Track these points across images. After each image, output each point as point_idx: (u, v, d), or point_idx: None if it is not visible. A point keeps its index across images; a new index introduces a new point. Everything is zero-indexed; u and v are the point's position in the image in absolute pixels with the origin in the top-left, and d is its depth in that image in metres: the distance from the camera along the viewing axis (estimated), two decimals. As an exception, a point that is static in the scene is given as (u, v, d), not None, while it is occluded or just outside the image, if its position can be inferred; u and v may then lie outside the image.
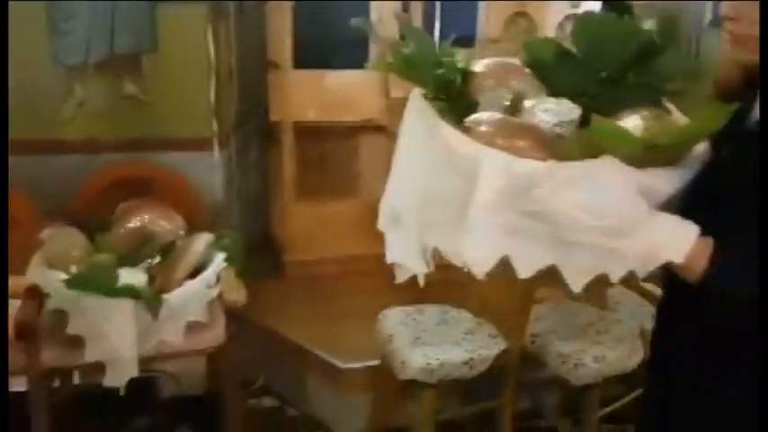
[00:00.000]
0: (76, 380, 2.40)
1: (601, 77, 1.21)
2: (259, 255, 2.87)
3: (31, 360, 1.83)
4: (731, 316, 1.12)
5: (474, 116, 1.07)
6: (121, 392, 1.93)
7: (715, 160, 1.10)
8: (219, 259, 2.09)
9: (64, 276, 1.89)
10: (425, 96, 1.14)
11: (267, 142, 3.13)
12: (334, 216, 3.08)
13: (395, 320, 2.13)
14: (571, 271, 1.03)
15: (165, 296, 1.94)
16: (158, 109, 2.43)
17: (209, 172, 2.53)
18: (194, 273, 2.05)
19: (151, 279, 2.03)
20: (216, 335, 2.05)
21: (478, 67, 1.21)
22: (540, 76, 1.23)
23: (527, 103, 1.12)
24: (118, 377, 1.90)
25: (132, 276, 1.97)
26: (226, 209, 2.57)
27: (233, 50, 2.72)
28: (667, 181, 1.05)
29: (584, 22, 1.24)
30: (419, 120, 1.10)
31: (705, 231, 1.05)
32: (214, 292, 2.04)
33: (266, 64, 3.00)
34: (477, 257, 1.02)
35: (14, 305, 2.00)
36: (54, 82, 2.37)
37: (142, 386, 2.44)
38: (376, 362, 2.24)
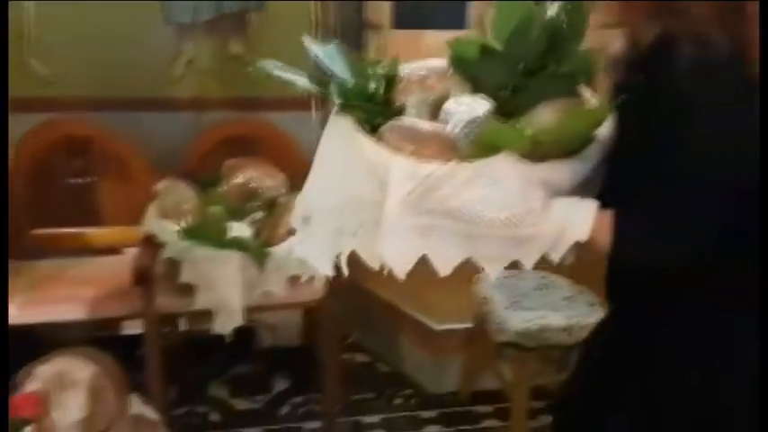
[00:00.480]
0: (183, 327, 2.56)
1: (520, 69, 1.25)
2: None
3: (147, 304, 1.94)
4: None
5: (387, 124, 1.15)
6: (227, 339, 2.03)
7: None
8: (321, 216, 2.14)
9: (177, 227, 1.98)
10: (352, 105, 1.18)
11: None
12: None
13: (492, 283, 2.14)
14: (486, 262, 1.10)
15: (270, 250, 2.01)
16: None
17: (307, 131, 2.58)
18: (297, 228, 2.11)
19: (256, 233, 2.10)
20: (315, 289, 2.11)
21: (404, 71, 1.27)
22: (465, 73, 1.28)
23: (445, 105, 1.18)
24: (225, 325, 2.00)
25: (239, 230, 2.05)
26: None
27: (334, 10, 2.73)
28: (565, 172, 1.11)
29: (501, 15, 1.28)
30: (336, 128, 1.16)
31: (617, 201, 1.07)
32: (316, 248, 2.10)
33: (364, 24, 3.01)
34: (396, 260, 1.10)
35: (131, 253, 2.13)
36: (165, 41, 2.46)
37: (243, 336, 2.56)
38: (470, 324, 2.26)
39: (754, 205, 1.06)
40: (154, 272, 1.95)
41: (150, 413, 1.95)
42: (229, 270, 1.95)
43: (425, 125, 1.17)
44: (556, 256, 1.09)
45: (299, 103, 2.52)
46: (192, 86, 2.48)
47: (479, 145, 1.13)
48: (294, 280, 2.07)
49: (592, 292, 2.12)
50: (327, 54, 1.30)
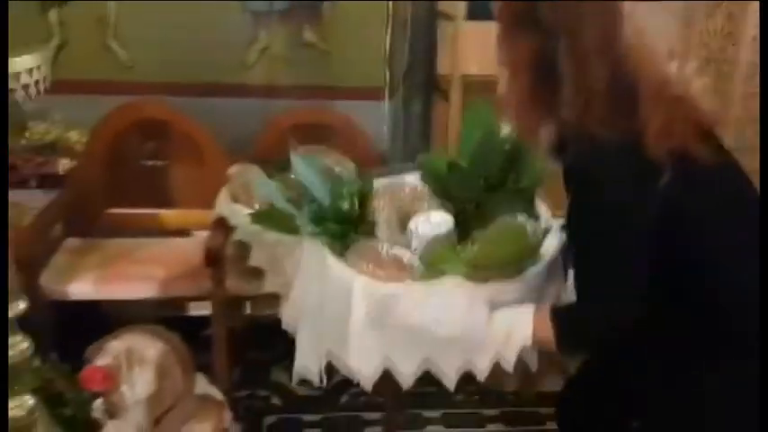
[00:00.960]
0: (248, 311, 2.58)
1: (482, 185, 1.43)
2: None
3: (216, 286, 1.96)
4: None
5: (352, 246, 1.35)
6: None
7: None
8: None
9: (248, 211, 1.99)
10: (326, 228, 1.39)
11: (433, 96, 3.12)
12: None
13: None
14: (444, 372, 1.23)
15: (338, 237, 2.00)
16: (335, 57, 2.49)
17: (377, 121, 2.57)
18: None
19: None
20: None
21: (376, 185, 1.51)
22: (435, 187, 1.48)
23: (410, 223, 1.38)
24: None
25: (308, 216, 2.05)
26: (392, 158, 2.60)
27: (408, 1, 2.72)
28: (508, 291, 1.24)
29: (466, 131, 1.49)
30: (311, 249, 1.42)
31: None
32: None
33: (437, 14, 2.97)
34: (363, 372, 1.22)
35: (202, 236, 2.16)
36: (240, 28, 2.49)
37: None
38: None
39: (661, 266, 1.14)
40: (224, 254, 1.97)
41: (215, 393, 1.97)
42: (298, 255, 1.95)
43: (384, 248, 1.35)
44: (508, 365, 1.22)
45: (369, 92, 2.52)
46: (265, 73, 2.50)
47: (429, 267, 1.26)
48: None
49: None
50: (308, 171, 1.57)
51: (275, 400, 2.27)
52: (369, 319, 1.22)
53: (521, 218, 1.37)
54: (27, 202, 2.22)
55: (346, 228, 1.44)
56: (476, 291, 1.21)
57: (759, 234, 1.15)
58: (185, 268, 2.12)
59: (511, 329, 1.20)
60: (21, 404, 1.40)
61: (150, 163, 2.35)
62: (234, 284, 2.01)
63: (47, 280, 2.01)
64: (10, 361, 1.35)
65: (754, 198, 1.23)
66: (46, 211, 2.11)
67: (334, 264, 1.33)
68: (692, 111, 1.15)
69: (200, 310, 2.46)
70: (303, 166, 1.56)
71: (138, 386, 1.98)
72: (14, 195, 2.26)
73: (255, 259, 1.99)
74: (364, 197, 1.51)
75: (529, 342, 1.21)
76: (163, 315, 2.31)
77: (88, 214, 2.27)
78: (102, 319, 2.41)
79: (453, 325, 1.20)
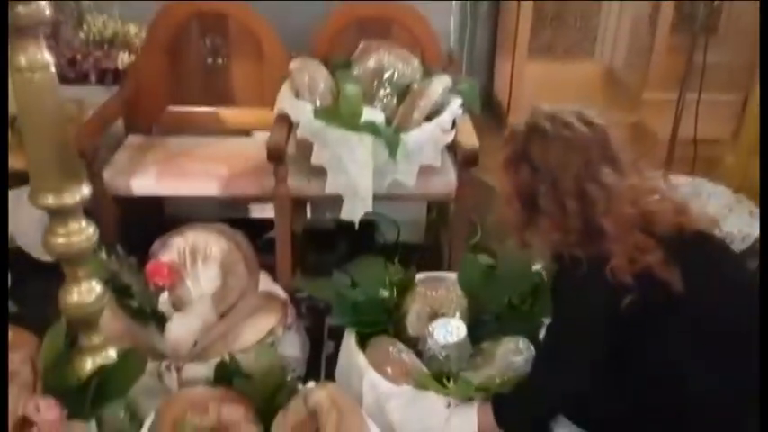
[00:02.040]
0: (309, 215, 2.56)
1: (506, 302, 1.69)
2: (480, 113, 2.77)
3: (278, 183, 1.92)
4: None
5: (375, 339, 1.67)
6: (356, 227, 1.99)
7: None
8: (456, 104, 2.03)
9: (311, 107, 1.92)
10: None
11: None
12: (565, 78, 2.87)
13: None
14: None
15: (403, 135, 1.92)
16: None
17: (444, 18, 2.43)
18: (430, 116, 2.01)
19: (387, 120, 2.02)
20: (447, 181, 2.02)
21: (418, 278, 1.80)
22: (467, 289, 1.74)
23: (431, 325, 1.65)
24: (354, 211, 1.95)
25: (372, 115, 1.97)
26: (458, 56, 2.47)
27: None
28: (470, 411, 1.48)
29: (503, 261, 1.78)
30: (347, 339, 1.70)
31: None
32: (449, 137, 1.99)
33: None
34: None
35: (262, 137, 2.10)
36: None
37: (365, 229, 2.53)
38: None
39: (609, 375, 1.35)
40: (286, 151, 1.92)
41: (279, 290, 1.97)
42: (361, 154, 1.88)
43: (396, 349, 1.63)
44: None
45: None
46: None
47: (420, 381, 1.53)
48: (426, 170, 1.99)
49: (751, 200, 1.92)
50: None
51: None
52: (372, 410, 1.49)
53: (523, 343, 1.60)
54: (86, 98, 2.20)
55: (380, 316, 1.71)
56: (441, 403, 1.49)
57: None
58: (247, 167, 2.08)
59: (461, 426, 1.46)
60: (88, 290, 1.40)
61: (210, 60, 2.28)
62: (295, 185, 1.97)
63: (110, 175, 2.01)
64: (76, 247, 1.34)
65: (731, 302, 1.32)
66: (105, 106, 2.08)
67: (356, 355, 1.62)
68: (657, 240, 1.29)
69: (262, 212, 2.45)
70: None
71: (203, 281, 1.99)
72: (74, 91, 2.26)
73: (317, 157, 1.94)
74: (404, 287, 1.76)
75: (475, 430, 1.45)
76: (225, 217, 2.30)
77: (149, 111, 2.24)
78: (166, 219, 2.43)
79: (418, 425, 1.49)
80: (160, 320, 1.83)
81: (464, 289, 1.77)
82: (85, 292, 1.40)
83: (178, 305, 1.90)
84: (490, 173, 2.32)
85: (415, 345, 1.71)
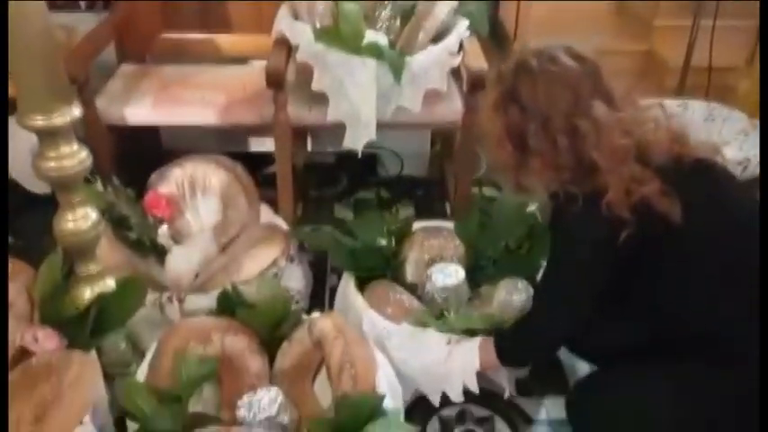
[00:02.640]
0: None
1: (503, 246, 1.72)
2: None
3: (278, 111, 1.85)
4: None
5: (373, 283, 1.67)
6: (358, 155, 1.93)
7: None
8: (463, 26, 1.93)
9: (311, 28, 1.83)
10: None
11: None
12: (574, 6, 2.75)
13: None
14: (430, 395, 1.53)
15: (408, 58, 1.83)
16: None
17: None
18: (435, 38, 1.92)
19: (391, 43, 1.92)
20: (453, 108, 1.95)
21: (415, 227, 1.80)
22: (464, 239, 1.76)
23: (429, 270, 1.65)
24: (356, 139, 1.88)
25: (374, 36, 1.87)
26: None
27: None
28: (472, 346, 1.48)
29: (501, 202, 1.84)
30: (345, 282, 1.71)
31: None
32: (456, 60, 1.91)
33: None
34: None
35: (260, 65, 2.01)
36: None
37: (367, 161, 2.47)
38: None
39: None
40: (285, 77, 1.84)
41: (280, 223, 1.92)
42: (364, 78, 1.80)
43: (395, 291, 1.64)
44: (473, 386, 1.47)
45: None
46: None
47: (419, 318, 1.55)
48: (432, 97, 1.91)
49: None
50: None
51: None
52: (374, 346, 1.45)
53: (522, 284, 1.61)
54: (76, 26, 2.10)
55: (378, 263, 1.71)
56: (442, 339, 1.49)
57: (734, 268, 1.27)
58: (245, 95, 2.00)
59: (466, 359, 1.45)
60: (83, 216, 1.35)
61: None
62: (296, 113, 1.89)
63: (103, 104, 1.93)
64: (68, 171, 1.28)
65: (734, 235, 1.29)
66: (96, 31, 1.99)
67: (354, 296, 1.62)
68: (653, 172, 1.26)
69: (261, 146, 2.38)
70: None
71: (203, 214, 1.94)
72: (64, 18, 2.16)
73: (318, 83, 1.85)
74: (402, 236, 1.76)
75: (480, 367, 1.45)
76: (224, 151, 2.24)
77: (141, 38, 2.15)
78: (163, 152, 2.36)
79: (424, 361, 1.49)
80: (160, 253, 1.79)
81: (461, 237, 1.77)
82: (81, 218, 1.35)
83: (178, 238, 1.85)
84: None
85: (413, 291, 1.69)
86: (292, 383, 1.47)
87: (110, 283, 1.44)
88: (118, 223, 1.75)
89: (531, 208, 1.72)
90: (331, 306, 1.80)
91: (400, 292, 1.63)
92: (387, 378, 1.38)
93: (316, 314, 1.54)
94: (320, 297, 1.92)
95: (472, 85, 1.84)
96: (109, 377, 1.45)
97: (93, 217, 1.37)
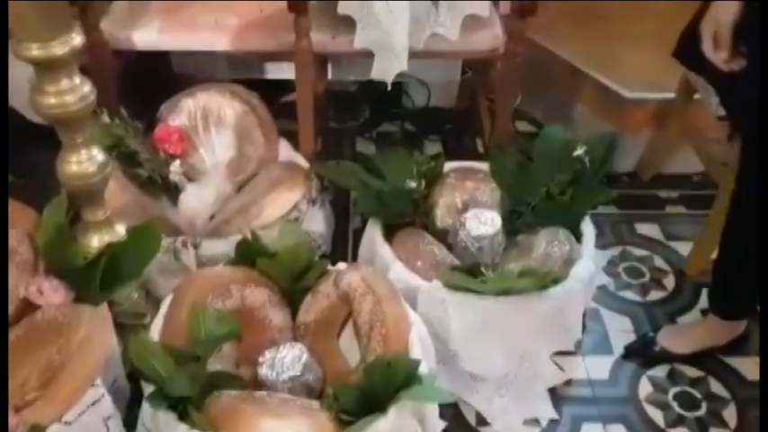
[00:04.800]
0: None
1: (543, 192, 1.57)
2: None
3: (299, 37, 1.67)
4: None
5: (402, 233, 1.54)
6: (388, 87, 1.76)
7: None
8: (506, -56, 1.73)
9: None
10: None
11: None
12: None
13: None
14: (464, 358, 1.44)
15: (445, -19, 1.64)
16: None
17: None
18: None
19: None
20: (494, 36, 1.76)
21: (447, 168, 1.66)
22: (500, 181, 1.63)
23: (463, 216, 1.52)
24: (387, 70, 1.71)
25: (407, -46, 1.68)
26: None
27: None
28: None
29: (543, 139, 1.64)
30: (370, 229, 1.56)
31: None
32: (498, -16, 1.72)
33: None
34: None
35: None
36: None
37: (391, 93, 2.29)
38: (667, 95, 1.88)
39: None
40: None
41: (300, 160, 1.78)
42: (397, 1, 1.62)
43: (425, 241, 1.51)
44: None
45: None
46: None
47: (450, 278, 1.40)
48: (470, 23, 1.73)
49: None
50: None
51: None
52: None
53: (563, 234, 1.49)
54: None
55: (407, 208, 1.57)
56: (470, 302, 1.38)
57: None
58: (262, 18, 1.82)
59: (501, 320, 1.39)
60: (89, 158, 1.22)
61: None
62: (318, 39, 1.72)
63: (108, 26, 1.75)
64: (70, 108, 1.14)
65: None
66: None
67: (381, 246, 1.50)
68: None
69: (278, 73, 2.21)
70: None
71: (217, 149, 1.79)
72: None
73: (344, 7, 1.67)
74: (433, 177, 1.63)
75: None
76: (239, 78, 2.07)
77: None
78: (173, 79, 2.20)
79: (452, 325, 1.38)
80: (172, 192, 1.66)
81: (497, 180, 1.63)
82: (86, 161, 1.22)
83: (191, 175, 1.73)
84: (542, 31, 2.06)
85: (443, 238, 1.57)
86: (316, 339, 1.37)
87: (119, 231, 1.33)
88: (127, 160, 1.61)
89: (579, 151, 1.58)
90: (355, 250, 1.68)
91: (430, 243, 1.51)
92: (420, 339, 1.28)
93: (342, 265, 1.42)
94: (343, 240, 1.80)
95: (520, 11, 1.65)
96: (121, 327, 1.36)
97: (99, 159, 1.24)
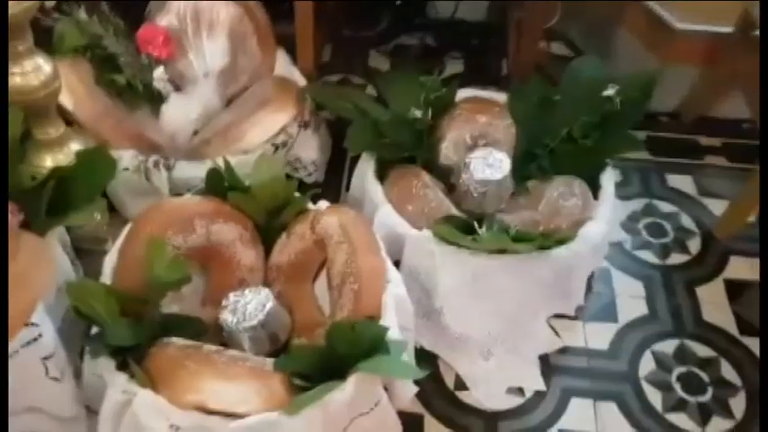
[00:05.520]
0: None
1: (565, 133, 1.39)
2: None
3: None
4: None
5: (394, 172, 1.38)
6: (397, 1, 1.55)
7: None
8: None
9: None
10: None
11: None
12: None
13: None
14: (449, 319, 1.31)
15: None
16: None
17: None
18: None
19: None
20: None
21: (460, 95, 1.48)
22: (519, 116, 1.43)
23: (470, 155, 1.35)
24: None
25: None
26: None
27: None
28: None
29: (571, 73, 1.44)
30: (362, 166, 1.41)
31: None
32: None
33: None
34: None
35: None
36: None
37: (413, 1, 2.07)
38: (725, 29, 1.63)
39: None
40: None
41: (297, 76, 1.61)
42: None
43: (419, 184, 1.33)
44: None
45: None
46: None
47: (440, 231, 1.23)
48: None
49: None
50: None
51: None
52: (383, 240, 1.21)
53: (579, 186, 1.33)
54: None
55: (408, 140, 1.40)
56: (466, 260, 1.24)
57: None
58: None
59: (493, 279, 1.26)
60: (34, 69, 1.07)
61: None
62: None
63: None
64: (11, 9, 0.98)
65: None
66: None
67: (371, 184, 1.36)
68: None
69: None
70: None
71: (208, 56, 1.62)
72: None
73: None
74: (443, 106, 1.44)
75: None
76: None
77: None
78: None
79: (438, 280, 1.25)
80: (154, 102, 1.52)
81: (514, 114, 1.44)
82: (31, 72, 1.08)
83: (178, 83, 1.57)
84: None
85: (446, 176, 1.40)
86: (289, 282, 1.26)
87: (75, 149, 1.20)
88: (104, 63, 1.46)
89: (610, 91, 1.37)
90: (351, 180, 1.54)
91: (425, 186, 1.35)
92: (396, 299, 1.15)
93: (323, 203, 1.28)
94: (340, 167, 1.65)
95: None
96: (81, 252, 1.26)
97: (46, 70, 1.09)
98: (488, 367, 1.33)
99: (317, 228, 1.21)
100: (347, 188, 1.57)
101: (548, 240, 1.24)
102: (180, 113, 1.51)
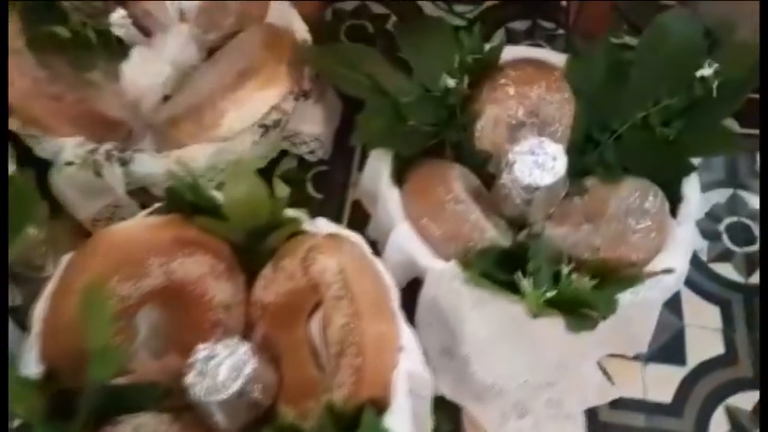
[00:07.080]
0: None
1: (641, 120, 1.06)
2: None
3: None
4: None
5: (418, 170, 1.07)
6: None
7: None
8: None
9: None
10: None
11: None
12: None
13: None
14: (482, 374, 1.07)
15: None
16: None
17: None
18: None
19: None
20: None
21: (506, 54, 1.13)
22: (579, 89, 1.10)
23: (513, 150, 1.00)
24: None
25: None
26: None
27: None
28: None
29: (657, 32, 1.07)
30: (373, 164, 1.10)
31: None
32: None
33: None
34: None
35: None
36: None
37: None
38: None
39: None
40: None
41: (298, 25, 1.25)
42: None
43: (453, 193, 1.01)
44: None
45: None
46: None
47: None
48: None
49: None
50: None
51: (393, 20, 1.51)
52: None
53: (653, 193, 1.01)
54: None
55: (437, 116, 1.07)
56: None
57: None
58: None
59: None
60: None
61: None
62: None
63: None
64: None
65: None
66: None
67: (387, 190, 1.04)
68: None
69: None
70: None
71: (181, -7, 1.28)
72: None
73: None
74: (483, 73, 1.08)
75: None
76: None
77: None
78: None
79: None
80: (112, 58, 1.18)
81: (575, 86, 1.08)
82: None
83: (145, 29, 1.23)
84: None
85: (483, 164, 1.08)
86: (276, 327, 0.98)
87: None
88: (37, 11, 1.11)
89: (706, 70, 1.02)
90: (365, 154, 1.20)
91: (457, 201, 1.02)
92: (410, 376, 0.88)
93: (323, 223, 0.99)
94: (344, 140, 1.32)
95: None
96: (17, 278, 1.00)
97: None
98: (523, 426, 1.08)
99: (311, 270, 0.92)
100: (360, 167, 1.26)
101: (608, 284, 0.95)
102: (146, 72, 1.18)
